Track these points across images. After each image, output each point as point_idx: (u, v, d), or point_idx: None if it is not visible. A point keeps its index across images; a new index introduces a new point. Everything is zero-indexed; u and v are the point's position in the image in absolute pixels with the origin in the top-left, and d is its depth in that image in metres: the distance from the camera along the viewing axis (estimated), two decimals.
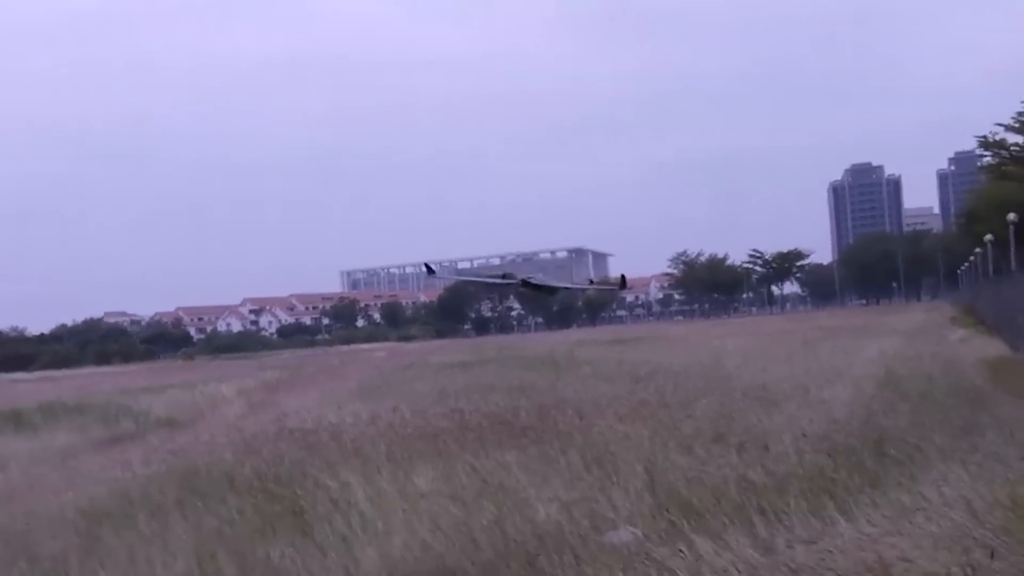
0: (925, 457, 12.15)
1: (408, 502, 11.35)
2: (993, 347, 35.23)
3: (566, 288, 21.77)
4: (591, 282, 22.80)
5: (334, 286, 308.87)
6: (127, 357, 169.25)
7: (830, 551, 7.81)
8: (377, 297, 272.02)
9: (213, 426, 24.26)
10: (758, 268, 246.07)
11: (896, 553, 7.62)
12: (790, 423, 15.54)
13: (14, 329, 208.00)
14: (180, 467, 15.43)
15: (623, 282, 18.51)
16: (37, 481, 16.57)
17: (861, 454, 12.41)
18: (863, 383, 22.68)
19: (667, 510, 10.19)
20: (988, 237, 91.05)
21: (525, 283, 18.62)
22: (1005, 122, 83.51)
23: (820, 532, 8.69)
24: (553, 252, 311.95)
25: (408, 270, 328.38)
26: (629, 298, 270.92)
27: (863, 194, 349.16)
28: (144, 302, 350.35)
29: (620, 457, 12.84)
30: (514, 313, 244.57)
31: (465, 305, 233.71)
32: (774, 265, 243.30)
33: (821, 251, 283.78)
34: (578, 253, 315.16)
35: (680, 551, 8.53)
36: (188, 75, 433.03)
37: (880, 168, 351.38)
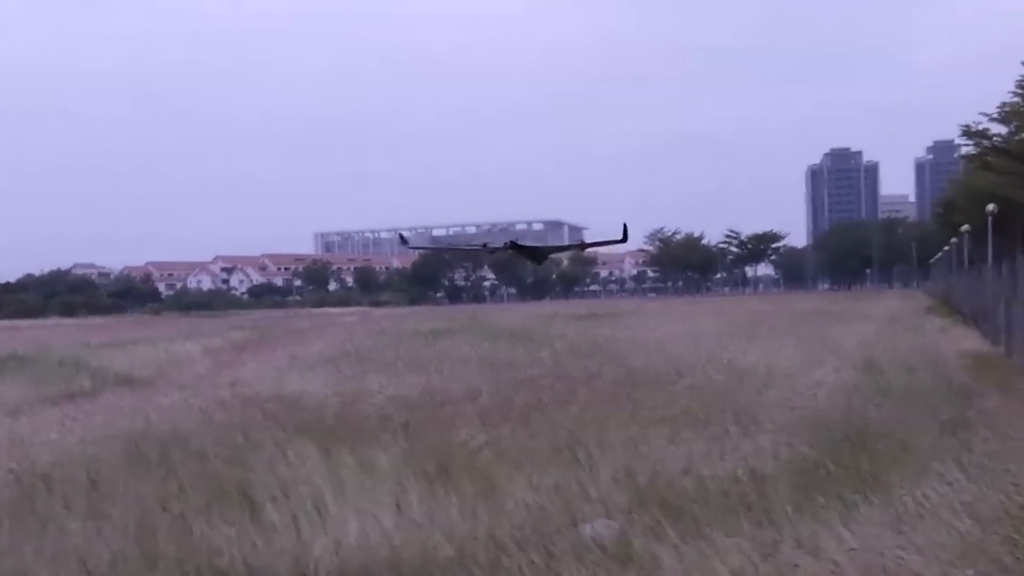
0: (918, 456, 11.49)
1: (367, 483, 10.53)
2: (972, 339, 34.82)
3: (558, 249, 19.93)
4: (582, 243, 20.92)
5: (307, 247, 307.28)
6: (94, 310, 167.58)
7: (835, 562, 7.10)
8: (351, 261, 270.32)
9: (170, 387, 23.34)
10: (733, 248, 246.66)
11: (904, 566, 6.93)
12: (772, 410, 14.88)
13: None
14: (128, 431, 14.53)
15: (625, 234, 16.60)
16: None
17: (850, 449, 11.73)
18: (844, 371, 22.07)
19: (646, 503, 9.46)
20: (965, 227, 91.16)
21: (514, 246, 17.32)
22: (988, 111, 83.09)
23: (817, 536, 7.98)
24: (529, 224, 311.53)
25: (383, 235, 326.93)
26: (603, 273, 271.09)
27: (840, 179, 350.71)
28: (114, 255, 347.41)
29: (597, 441, 12.08)
30: (487, 283, 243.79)
31: (439, 273, 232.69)
32: (749, 246, 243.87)
33: (796, 234, 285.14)
34: (554, 225, 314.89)
35: (668, 547, 7.82)
36: (168, 30, 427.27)
37: (859, 154, 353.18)
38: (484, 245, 18.57)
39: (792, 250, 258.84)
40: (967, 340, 34.29)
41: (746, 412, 14.72)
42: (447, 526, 8.95)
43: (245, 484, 10.65)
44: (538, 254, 17.97)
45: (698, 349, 27.94)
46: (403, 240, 23.85)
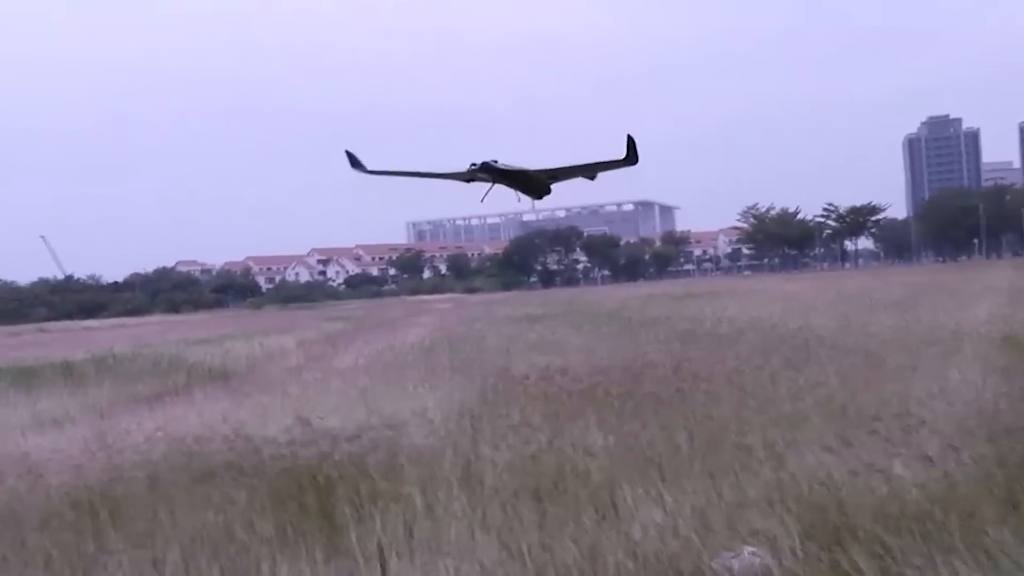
0: None
1: (467, 506, 8.90)
2: None
3: (555, 175, 15.53)
4: (589, 165, 17.18)
5: (400, 237, 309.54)
6: (196, 306, 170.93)
7: None
8: (443, 248, 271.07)
9: (259, 385, 22.30)
10: (831, 223, 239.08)
11: None
12: (926, 403, 12.85)
13: (91, 277, 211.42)
14: (199, 443, 13.18)
15: (632, 151, 12.79)
16: (52, 451, 14.50)
17: None
18: (988, 354, 19.80)
19: (803, 530, 7.69)
20: None
21: (486, 168, 13.88)
22: None
23: None
24: (619, 205, 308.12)
25: (474, 222, 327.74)
26: (696, 252, 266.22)
27: (940, 147, 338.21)
28: (215, 251, 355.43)
29: (735, 445, 10.28)
30: (580, 266, 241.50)
31: (531, 257, 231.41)
32: (847, 220, 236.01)
33: (896, 206, 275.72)
34: (645, 206, 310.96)
35: None
36: (269, 23, 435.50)
37: (958, 121, 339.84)
38: (471, 166, 14.77)
39: (892, 222, 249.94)
40: None
41: (894, 404, 12.75)
42: (560, 562, 7.32)
43: (327, 508, 9.15)
44: (533, 182, 14.42)
45: (814, 330, 25.81)
46: (353, 161, 20.37)
